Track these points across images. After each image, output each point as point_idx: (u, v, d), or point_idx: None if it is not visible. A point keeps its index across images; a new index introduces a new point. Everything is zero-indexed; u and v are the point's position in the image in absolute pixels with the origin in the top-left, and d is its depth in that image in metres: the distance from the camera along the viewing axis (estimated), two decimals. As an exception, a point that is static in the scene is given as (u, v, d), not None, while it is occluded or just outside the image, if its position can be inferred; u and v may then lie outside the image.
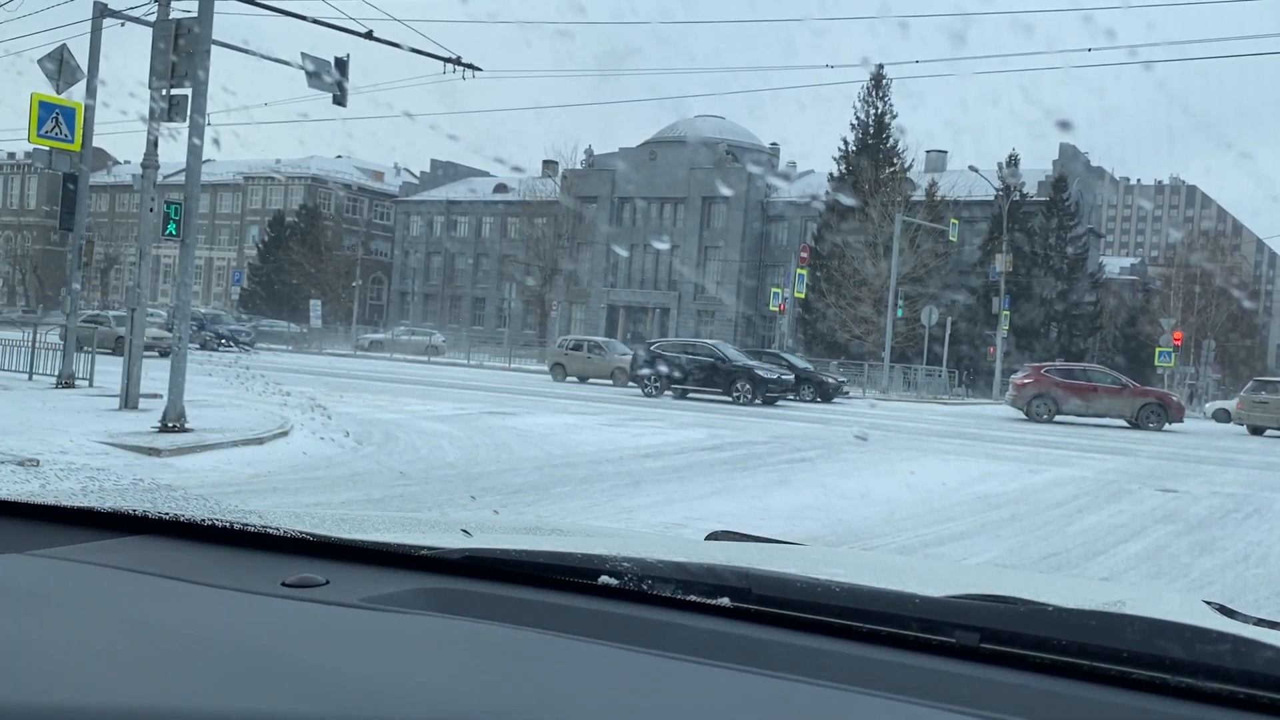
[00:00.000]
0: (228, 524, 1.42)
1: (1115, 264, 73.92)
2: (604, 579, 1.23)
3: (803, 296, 43.40)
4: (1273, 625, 1.32)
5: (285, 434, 11.40)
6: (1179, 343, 41.27)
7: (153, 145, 12.71)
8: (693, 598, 1.19)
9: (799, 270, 40.98)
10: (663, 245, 61.81)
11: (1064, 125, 61.94)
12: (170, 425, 10.70)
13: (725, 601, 1.17)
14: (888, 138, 50.45)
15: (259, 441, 10.80)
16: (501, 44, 32.02)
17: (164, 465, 9.10)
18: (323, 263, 63.68)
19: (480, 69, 16.57)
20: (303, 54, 13.83)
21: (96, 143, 16.11)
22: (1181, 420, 25.43)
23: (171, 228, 11.79)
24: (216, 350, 35.84)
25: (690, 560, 1.28)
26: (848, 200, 46.49)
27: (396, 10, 15.13)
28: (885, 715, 0.95)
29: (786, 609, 1.15)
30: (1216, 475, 13.80)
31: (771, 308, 42.53)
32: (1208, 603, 1.51)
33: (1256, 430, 25.88)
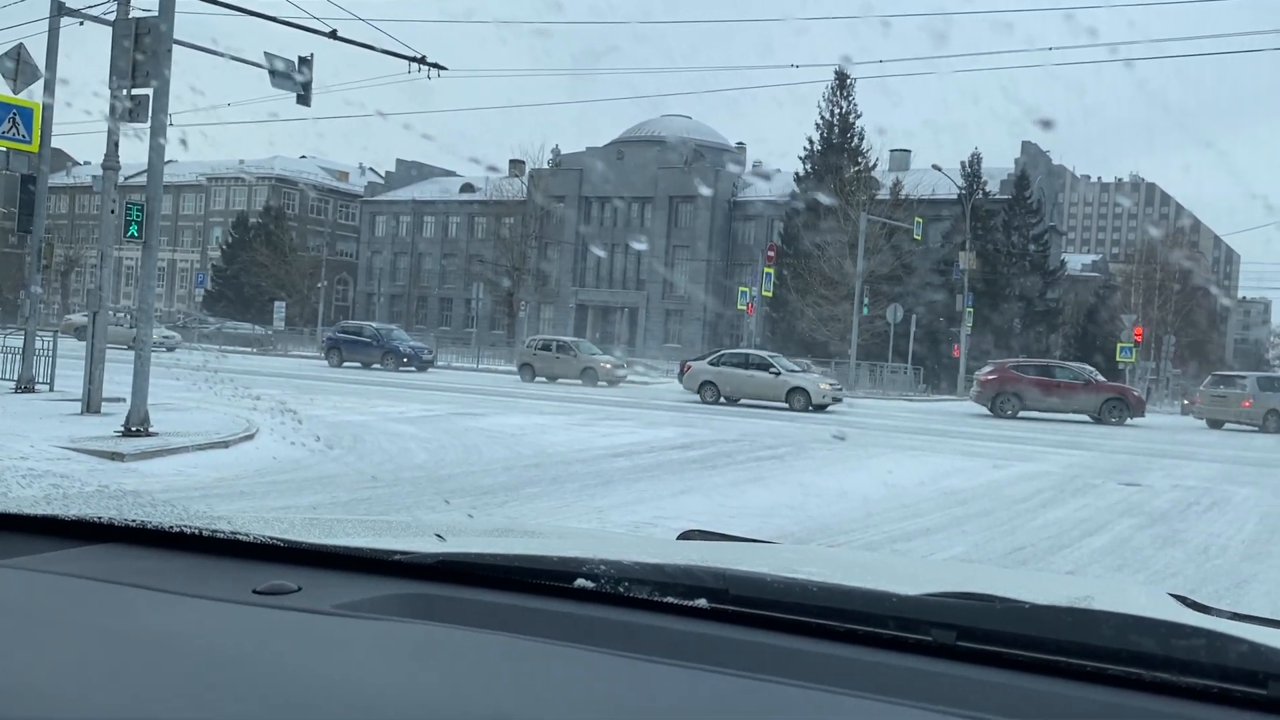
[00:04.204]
0: (196, 530, 1.40)
1: (1077, 261, 74.87)
2: (580, 582, 1.22)
3: (770, 295, 43.55)
4: (1245, 618, 1.34)
5: (251, 437, 11.28)
6: (1140, 338, 41.82)
7: (114, 146, 12.53)
8: (670, 599, 1.18)
9: (766, 269, 41.12)
10: (640, 245, 61.74)
11: (1045, 124, 62.59)
12: (134, 429, 10.56)
13: (702, 603, 1.17)
14: (852, 137, 50.78)
15: (224, 445, 10.69)
16: (477, 42, 31.82)
17: (128, 470, 8.98)
18: (287, 264, 63.05)
19: (446, 68, 16.48)
20: (266, 53, 13.70)
21: (55, 143, 15.87)
22: (1143, 415, 25.80)
23: (134, 229, 11.64)
24: (397, 371, 33.03)
25: (667, 562, 1.28)
26: (814, 199, 46.76)
27: (361, 9, 15.03)
28: (864, 715, 0.95)
29: (764, 609, 1.15)
30: (1177, 469, 14.01)
31: (740, 307, 42.67)
32: (1173, 595, 1.54)
33: (1215, 424, 26.30)
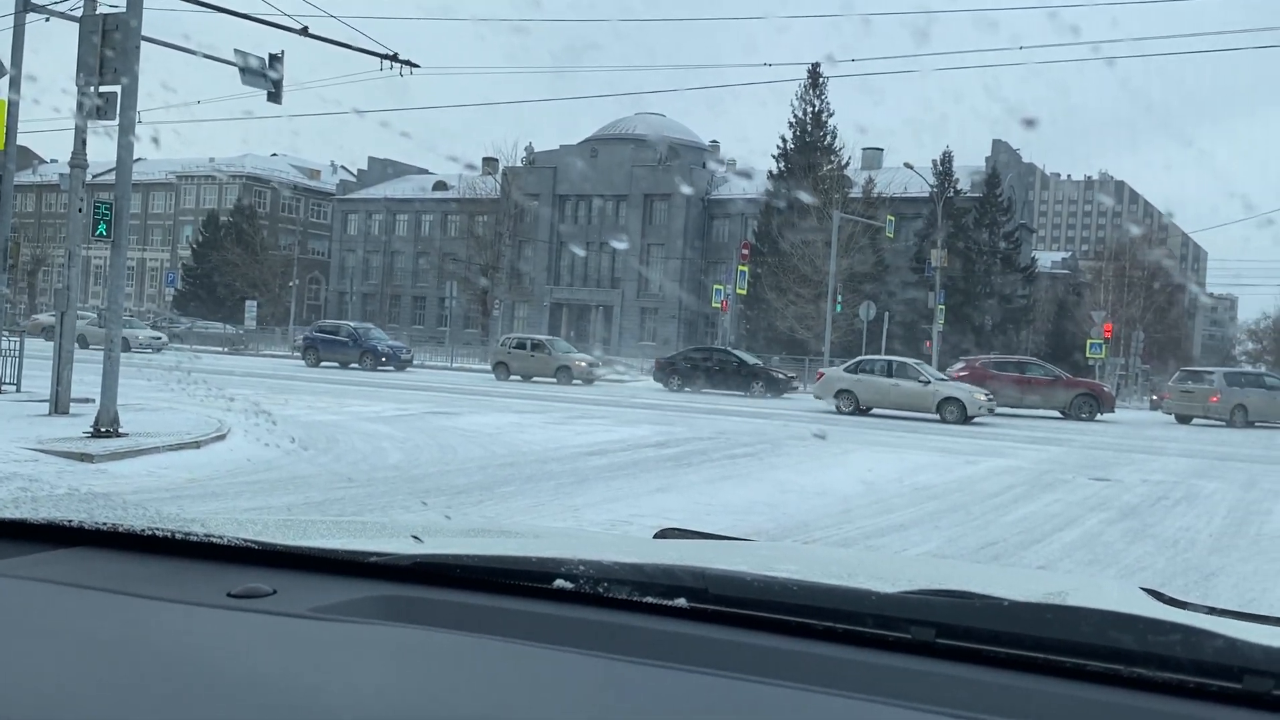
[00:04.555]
0: (169, 533, 1.38)
1: (1047, 258, 75.50)
2: (559, 582, 1.22)
3: (745, 293, 43.64)
4: (1221, 613, 1.36)
5: (223, 437, 11.19)
6: (1109, 335, 42.25)
7: (82, 144, 12.38)
8: (649, 599, 1.18)
9: (740, 267, 41.21)
10: (621, 245, 61.65)
11: (1028, 123, 63.28)
12: (103, 430, 10.44)
13: (682, 602, 1.16)
14: (825, 135, 51.01)
15: (196, 445, 10.60)
16: (455, 39, 31.59)
17: (97, 471, 8.88)
18: (258, 263, 62.56)
19: (419, 65, 16.39)
20: (237, 50, 13.58)
21: (22, 141, 15.63)
22: (1113, 410, 26.07)
23: (102, 228, 11.51)
24: (375, 370, 32.68)
25: (646, 561, 1.27)
26: (787, 197, 46.94)
27: (334, 7, 14.91)
28: (844, 714, 0.95)
29: (743, 608, 1.15)
30: (1147, 464, 14.17)
31: (714, 304, 42.74)
32: (1145, 589, 1.56)
33: (1183, 419, 26.61)
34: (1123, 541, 7.83)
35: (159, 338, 39.84)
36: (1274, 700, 0.97)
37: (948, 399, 21.74)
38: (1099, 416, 24.94)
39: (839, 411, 22.67)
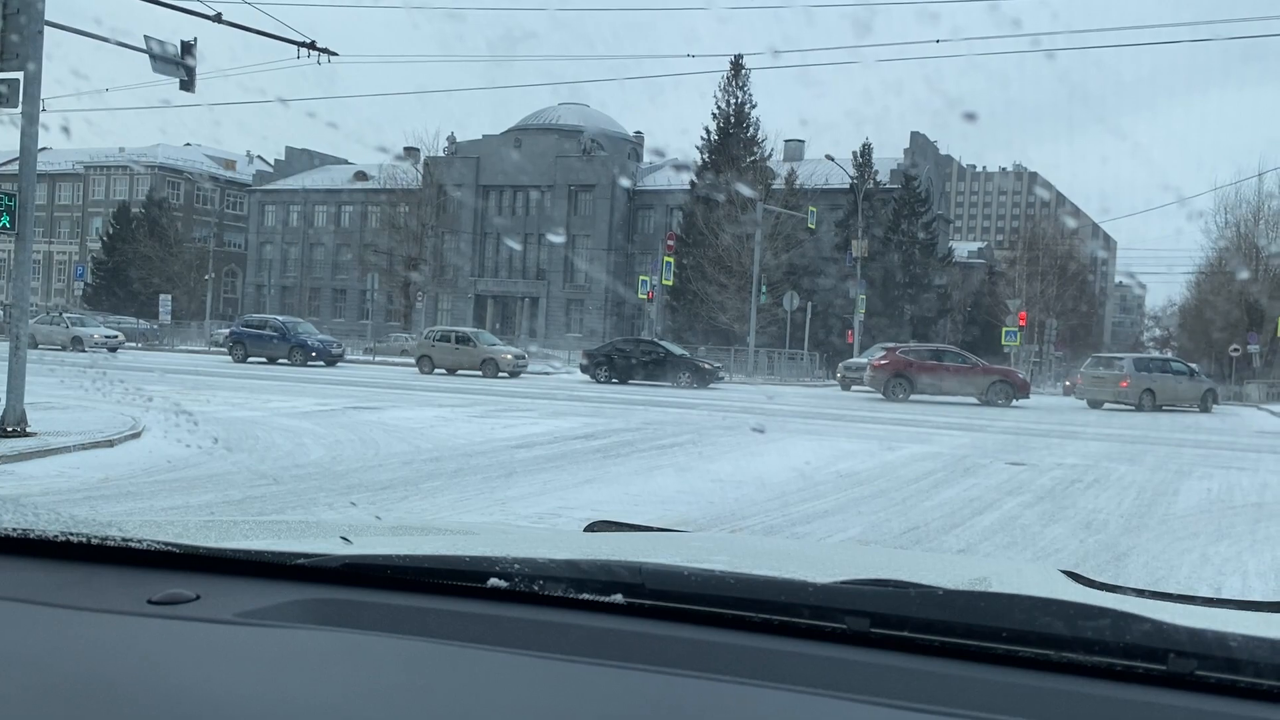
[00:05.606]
0: (84, 538, 1.33)
1: (964, 248, 77.27)
2: (493, 581, 1.20)
3: (671, 284, 43.86)
4: (1153, 595, 1.40)
5: (138, 435, 10.88)
6: (1024, 323, 43.40)
7: (-19, 132, 11.91)
8: (586, 596, 1.17)
9: (666, 258, 41.40)
10: (558, 239, 61.16)
11: (969, 117, 64.96)
12: (9, 430, 10.07)
13: (618, 598, 1.16)
14: (748, 127, 51.38)
15: (109, 444, 10.28)
16: (388, 28, 31.07)
17: (3, 473, 8.57)
18: (172, 256, 60.96)
19: (336, 54, 16.07)
20: (146, 37, 13.17)
21: (-84, 129, 14.97)
22: (1027, 396, 26.79)
23: (5, 220, 11.07)
24: (306, 366, 31.76)
25: (581, 557, 1.26)
26: (712, 189, 47.21)
27: (247, -8, 14.53)
28: (779, 707, 0.96)
29: (680, 602, 1.15)
30: (1060, 448, 14.59)
31: (641, 295, 42.84)
32: (1064, 571, 1.60)
33: (1095, 404, 27.47)
34: (1039, 524, 8.04)
35: (114, 335, 38.52)
36: (1196, 680, 1.00)
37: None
38: (1015, 402, 25.60)
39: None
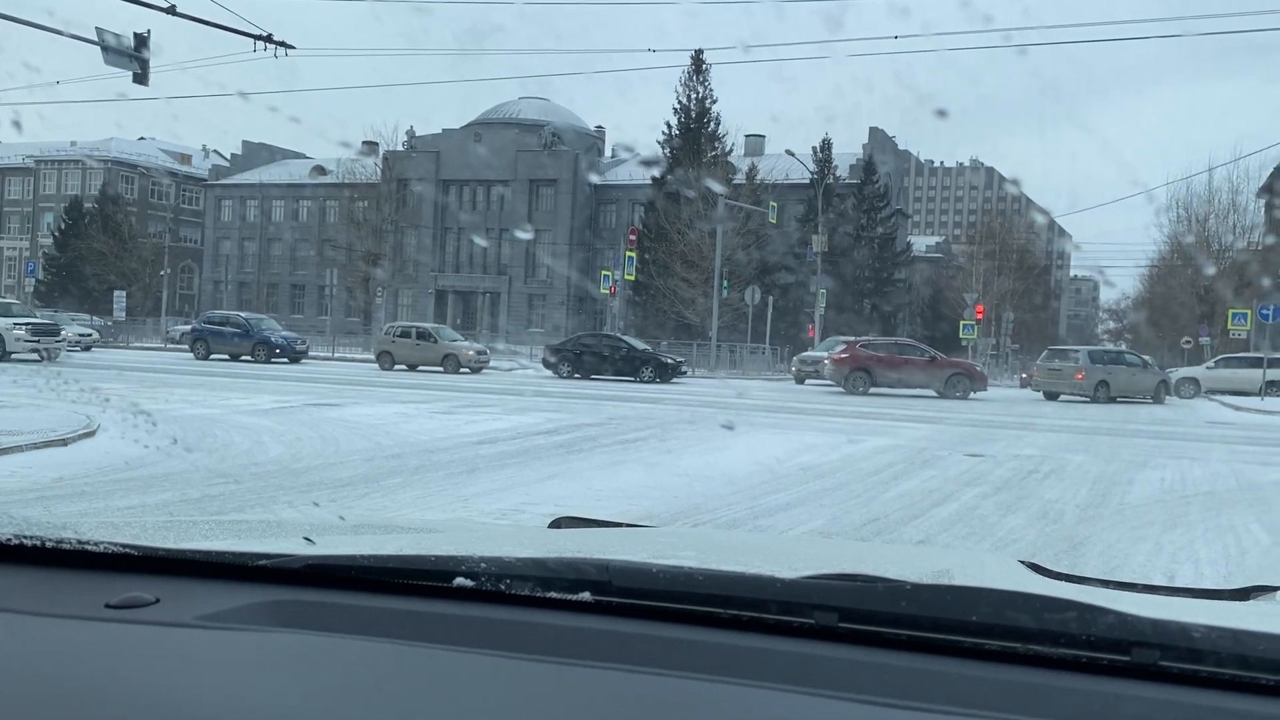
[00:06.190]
0: (39, 541, 1.30)
1: (922, 243, 78.01)
2: (460, 581, 1.19)
3: (633, 279, 43.83)
4: (1116, 585, 1.42)
5: (92, 434, 10.70)
6: (981, 316, 43.89)
7: (-74, 126, 11.65)
8: (553, 594, 1.16)
9: (628, 253, 41.36)
10: (526, 235, 60.74)
11: (941, 113, 65.83)
12: (-41, 430, 9.87)
13: (586, 596, 1.15)
14: (709, 122, 51.45)
15: (63, 443, 10.10)
16: (353, 21, 30.73)
17: (-47, 474, 8.38)
18: (126, 251, 59.94)
19: (294, 46, 15.90)
20: (98, 29, 12.95)
21: None
22: (985, 388, 27.10)
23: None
24: (269, 363, 31.32)
25: (548, 555, 1.25)
26: (673, 183, 47.25)
27: (202, -17, 14.33)
28: (749, 704, 0.96)
29: (649, 600, 1.14)
30: (1018, 439, 14.79)
31: (603, 290, 42.79)
32: (1023, 562, 1.62)
33: (1051, 395, 27.86)
34: (996, 514, 8.15)
35: (89, 334, 37.82)
36: (1159, 671, 1.01)
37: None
38: (973, 394, 25.90)
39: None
